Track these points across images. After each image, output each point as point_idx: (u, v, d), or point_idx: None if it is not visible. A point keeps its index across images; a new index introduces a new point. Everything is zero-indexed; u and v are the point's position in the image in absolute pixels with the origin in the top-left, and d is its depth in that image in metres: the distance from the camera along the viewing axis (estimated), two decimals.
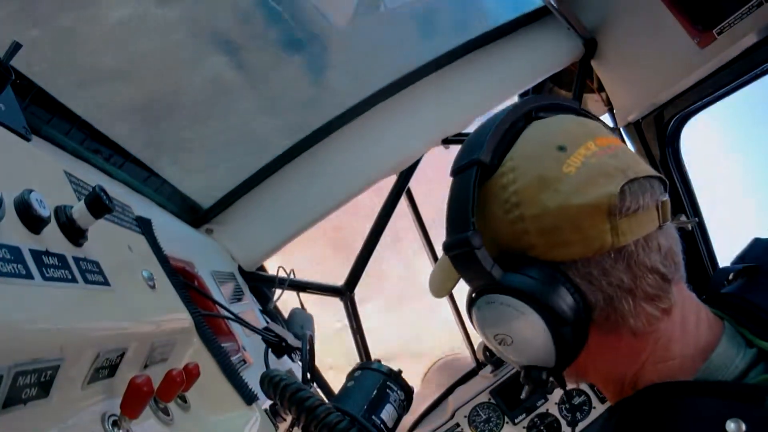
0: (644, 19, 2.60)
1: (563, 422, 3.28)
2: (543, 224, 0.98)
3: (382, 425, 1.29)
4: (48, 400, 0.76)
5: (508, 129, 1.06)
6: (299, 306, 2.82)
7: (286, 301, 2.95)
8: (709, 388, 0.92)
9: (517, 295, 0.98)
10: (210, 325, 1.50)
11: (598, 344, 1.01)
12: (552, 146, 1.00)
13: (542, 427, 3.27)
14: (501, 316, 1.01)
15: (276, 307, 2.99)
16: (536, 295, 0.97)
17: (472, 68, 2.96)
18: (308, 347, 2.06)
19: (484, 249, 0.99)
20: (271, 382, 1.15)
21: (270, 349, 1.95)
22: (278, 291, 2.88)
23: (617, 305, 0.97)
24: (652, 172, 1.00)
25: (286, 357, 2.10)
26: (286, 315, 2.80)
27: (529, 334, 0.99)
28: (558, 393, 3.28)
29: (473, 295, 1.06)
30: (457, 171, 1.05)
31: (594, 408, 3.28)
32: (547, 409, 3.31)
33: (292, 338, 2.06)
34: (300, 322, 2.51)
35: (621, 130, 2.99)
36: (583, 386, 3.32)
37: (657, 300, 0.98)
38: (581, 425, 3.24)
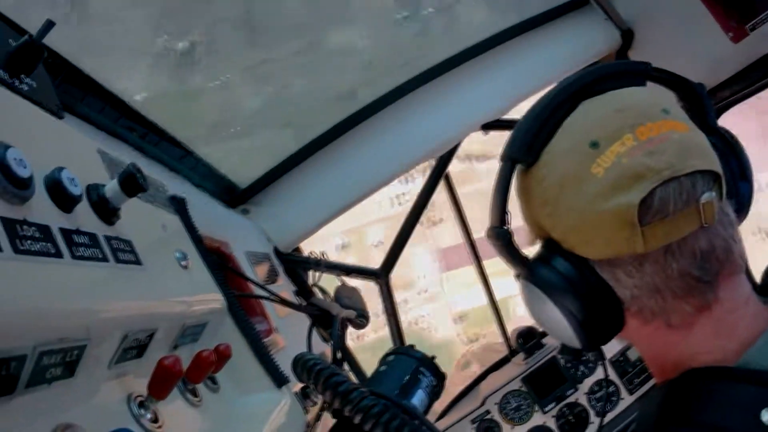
0: (679, 11, 2.57)
1: (592, 412, 3.26)
2: (569, 224, 0.99)
3: (413, 410, 1.28)
4: (73, 380, 0.75)
5: (551, 116, 1.02)
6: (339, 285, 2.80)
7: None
8: (747, 376, 0.90)
9: (540, 286, 1.03)
10: (242, 306, 1.50)
11: (636, 331, 1.03)
12: (585, 142, 0.96)
13: (571, 417, 3.24)
14: (531, 301, 1.08)
15: (311, 290, 2.99)
16: (556, 288, 1.01)
17: (512, 54, 2.91)
18: (339, 327, 2.06)
19: (512, 243, 1.05)
20: (304, 366, 1.14)
21: (316, 326, 1.96)
22: (316, 272, 2.88)
23: (646, 302, 0.97)
24: (703, 166, 0.94)
25: (320, 340, 2.10)
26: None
27: (553, 321, 1.05)
28: (587, 383, 3.29)
29: (516, 276, 1.11)
30: (500, 159, 1.06)
31: (622, 399, 3.25)
32: (577, 399, 3.28)
33: (337, 308, 2.06)
34: (347, 295, 2.49)
35: None
36: (613, 377, 3.28)
37: (690, 299, 0.95)
38: (610, 415, 3.22)
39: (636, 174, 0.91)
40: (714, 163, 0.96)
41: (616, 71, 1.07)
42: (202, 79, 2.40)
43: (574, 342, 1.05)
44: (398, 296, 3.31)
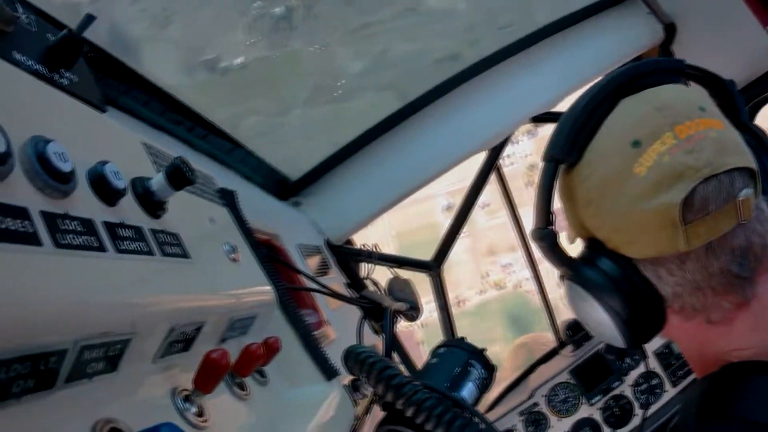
0: (719, 4, 2.62)
1: (636, 404, 3.26)
2: (612, 224, 1.00)
3: (463, 403, 1.27)
4: (115, 374, 0.75)
5: (591, 114, 1.03)
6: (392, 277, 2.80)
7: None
8: None
9: (584, 286, 1.05)
10: (293, 298, 1.49)
11: (677, 328, 1.05)
12: (626, 142, 0.97)
13: (616, 409, 3.24)
14: (576, 301, 1.10)
15: (363, 282, 2.99)
16: (601, 288, 1.03)
17: (558, 47, 2.94)
18: (390, 319, 2.05)
19: (558, 244, 1.06)
20: (357, 359, 1.13)
21: (367, 318, 1.95)
22: (367, 265, 2.87)
23: (687, 300, 0.99)
24: (739, 163, 0.94)
25: (371, 332, 2.09)
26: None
27: (597, 321, 1.07)
28: (633, 375, 3.29)
29: (560, 277, 1.13)
30: (543, 160, 1.07)
31: (666, 391, 3.25)
32: (622, 392, 3.27)
33: (389, 301, 2.06)
34: (399, 288, 2.48)
35: None
36: (657, 369, 3.28)
37: (729, 296, 0.97)
38: (654, 407, 3.23)
39: (677, 173, 0.92)
40: (749, 160, 0.97)
41: (653, 69, 1.07)
42: (301, 44, 2.44)
43: (618, 341, 1.06)
44: (503, 259, 3.35)
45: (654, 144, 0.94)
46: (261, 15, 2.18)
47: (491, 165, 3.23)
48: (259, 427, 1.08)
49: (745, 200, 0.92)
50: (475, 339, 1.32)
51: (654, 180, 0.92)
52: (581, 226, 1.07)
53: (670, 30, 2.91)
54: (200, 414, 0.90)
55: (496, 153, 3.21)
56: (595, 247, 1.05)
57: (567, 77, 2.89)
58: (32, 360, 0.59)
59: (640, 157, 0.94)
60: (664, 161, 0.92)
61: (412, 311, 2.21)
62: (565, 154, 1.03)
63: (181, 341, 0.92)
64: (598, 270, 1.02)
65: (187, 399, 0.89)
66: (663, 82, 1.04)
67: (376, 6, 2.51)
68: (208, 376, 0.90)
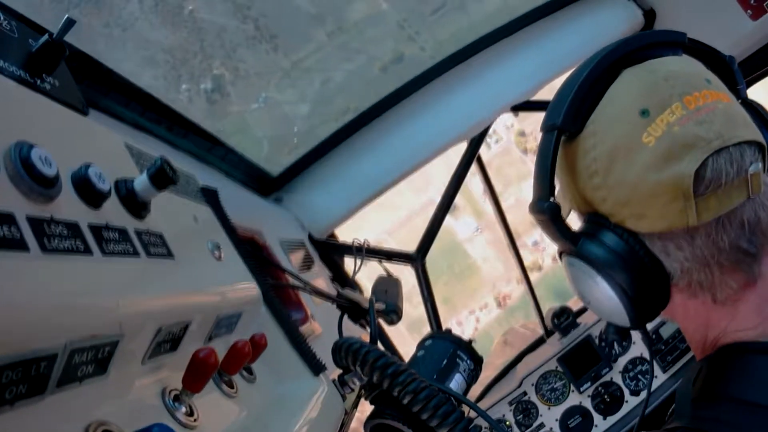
0: None
1: (627, 391, 3.26)
2: (619, 195, 0.96)
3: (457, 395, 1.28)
4: (105, 377, 0.75)
5: (594, 84, 1.00)
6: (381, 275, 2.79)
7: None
8: None
9: (589, 262, 1.00)
10: (277, 294, 1.50)
11: (682, 306, 1.03)
12: (634, 110, 0.94)
13: (606, 396, 3.23)
14: (578, 278, 1.06)
15: (347, 275, 2.99)
16: (607, 264, 0.98)
17: (538, 35, 2.94)
18: (374, 313, 2.04)
19: (560, 218, 1.01)
20: (350, 350, 1.13)
21: (345, 315, 1.95)
22: (354, 259, 2.87)
23: (694, 276, 0.96)
24: (748, 136, 0.93)
25: (355, 326, 2.09)
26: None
27: (601, 298, 1.02)
28: (622, 362, 3.28)
29: (559, 253, 1.10)
30: (542, 130, 1.04)
31: (656, 377, 3.23)
32: (612, 378, 3.27)
33: (366, 301, 2.05)
34: (384, 288, 2.47)
35: None
36: (646, 355, 3.27)
37: (736, 273, 0.95)
38: (643, 394, 3.23)
39: (688, 143, 0.90)
40: (757, 134, 0.95)
41: (656, 41, 1.05)
42: (240, 107, 2.44)
43: (623, 319, 1.03)
44: (528, 239, 3.36)
45: (663, 114, 0.92)
46: (191, 97, 2.19)
47: (472, 155, 3.24)
48: (249, 424, 1.08)
49: (755, 174, 0.91)
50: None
51: (664, 150, 0.91)
52: (582, 199, 1.04)
53: (650, 16, 2.91)
54: (190, 413, 0.91)
55: (476, 143, 3.21)
56: (598, 221, 1.01)
57: (546, 66, 2.90)
58: (23, 366, 0.59)
59: (648, 127, 0.92)
60: (675, 131, 0.91)
61: (392, 314, 2.19)
62: (568, 122, 0.99)
63: (168, 341, 0.92)
64: (604, 245, 0.99)
65: (176, 399, 0.90)
66: (663, 55, 1.03)
67: (299, 41, 2.48)
68: (197, 375, 0.91)
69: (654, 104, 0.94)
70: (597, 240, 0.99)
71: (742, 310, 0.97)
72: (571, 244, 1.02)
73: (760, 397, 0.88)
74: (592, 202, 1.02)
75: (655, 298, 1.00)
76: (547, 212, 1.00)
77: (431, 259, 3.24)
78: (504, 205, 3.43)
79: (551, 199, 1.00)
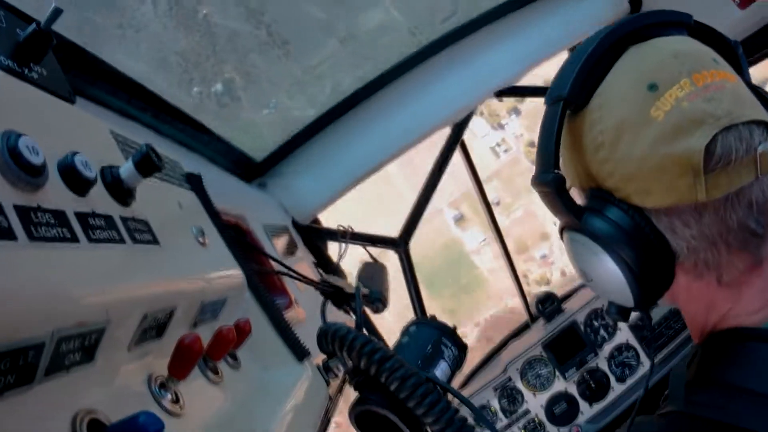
0: None
1: (612, 378, 3.25)
2: (626, 170, 0.95)
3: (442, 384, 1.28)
4: (92, 364, 0.76)
5: (600, 59, 1.00)
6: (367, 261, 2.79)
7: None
8: None
9: (593, 238, 0.98)
10: (262, 280, 1.50)
11: (685, 287, 1.01)
12: (642, 84, 0.94)
13: (592, 383, 3.23)
14: (581, 254, 1.04)
15: (330, 261, 2.99)
16: (612, 240, 0.97)
17: (523, 21, 2.91)
18: (360, 299, 2.05)
19: (566, 190, 0.99)
20: (336, 335, 1.13)
21: (329, 301, 1.95)
22: (338, 245, 2.87)
23: (701, 255, 0.95)
24: (757, 116, 0.93)
25: (338, 311, 2.10)
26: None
27: (605, 276, 1.01)
28: (608, 349, 3.27)
29: (561, 228, 1.07)
30: (546, 103, 1.02)
31: (641, 364, 3.25)
32: (597, 364, 3.26)
33: (350, 286, 2.06)
34: (370, 274, 2.47)
35: None
36: (633, 342, 3.27)
37: (743, 254, 0.94)
38: (629, 381, 3.22)
39: (697, 119, 0.89)
40: (765, 114, 0.95)
41: (660, 20, 1.05)
42: (251, 112, 2.44)
43: (627, 299, 1.02)
44: (537, 252, 3.36)
45: (672, 89, 0.92)
46: (202, 99, 2.20)
47: (455, 140, 3.25)
48: (234, 410, 1.09)
49: (764, 153, 0.90)
50: None
51: (673, 124, 0.90)
52: (586, 174, 1.02)
53: (636, 4, 2.89)
54: (176, 400, 0.91)
55: (459, 128, 3.22)
56: (603, 196, 0.99)
57: (530, 52, 2.89)
58: (11, 356, 0.59)
59: (657, 101, 0.92)
60: (683, 106, 0.90)
61: (377, 302, 2.19)
62: (575, 94, 0.98)
63: (154, 327, 0.93)
64: (609, 220, 0.96)
65: (162, 386, 0.90)
66: (668, 35, 1.03)
67: (311, 49, 2.48)
68: (182, 362, 0.91)
69: (662, 79, 0.93)
70: (602, 215, 0.98)
71: (746, 294, 0.96)
72: (575, 218, 1.00)
73: (755, 384, 0.88)
74: (597, 177, 1.00)
75: (660, 277, 0.99)
76: (552, 184, 0.98)
77: (436, 269, 3.25)
78: (512, 219, 3.45)
79: (556, 171, 0.98)
